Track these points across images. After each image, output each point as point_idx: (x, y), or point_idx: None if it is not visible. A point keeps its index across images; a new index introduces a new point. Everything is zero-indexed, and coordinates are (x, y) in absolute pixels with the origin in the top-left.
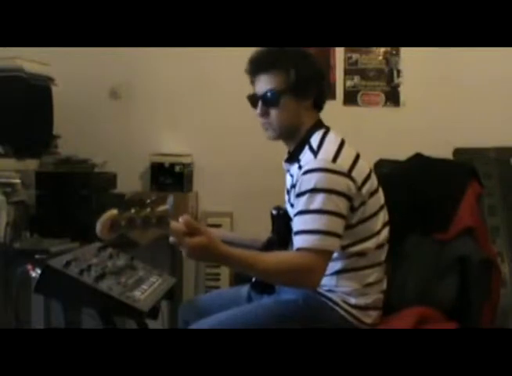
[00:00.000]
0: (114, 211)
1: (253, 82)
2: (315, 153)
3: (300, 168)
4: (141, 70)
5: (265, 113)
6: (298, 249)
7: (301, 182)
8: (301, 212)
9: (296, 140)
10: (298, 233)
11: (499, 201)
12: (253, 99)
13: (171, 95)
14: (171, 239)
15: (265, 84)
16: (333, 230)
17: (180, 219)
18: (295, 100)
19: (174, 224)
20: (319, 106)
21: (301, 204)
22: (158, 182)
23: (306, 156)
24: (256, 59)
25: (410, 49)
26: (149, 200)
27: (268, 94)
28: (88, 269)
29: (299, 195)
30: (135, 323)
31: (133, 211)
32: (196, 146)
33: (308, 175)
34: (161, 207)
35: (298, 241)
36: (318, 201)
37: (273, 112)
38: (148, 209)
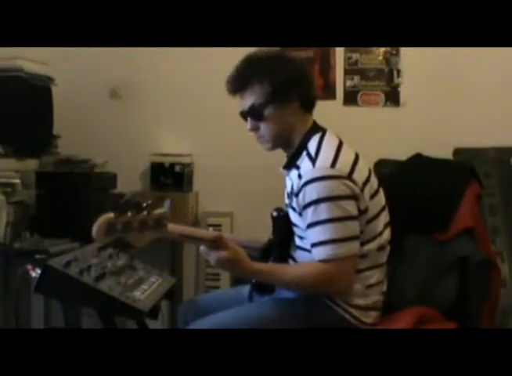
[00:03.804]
0: (111, 215)
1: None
2: (313, 160)
3: (300, 176)
4: (141, 70)
5: (255, 128)
6: (318, 261)
7: (304, 194)
8: (310, 225)
9: (293, 146)
10: (313, 245)
11: (499, 201)
12: (242, 116)
13: (171, 95)
14: (202, 248)
15: (246, 100)
16: (346, 236)
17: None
18: (279, 108)
19: (204, 232)
20: (308, 107)
21: (309, 216)
22: (158, 182)
23: (305, 163)
24: (230, 80)
25: (410, 49)
26: (145, 204)
27: (252, 109)
28: (88, 269)
29: (305, 207)
30: (135, 323)
31: (130, 214)
32: (196, 146)
33: (310, 186)
34: (158, 211)
35: (315, 254)
36: (324, 211)
37: (262, 125)
38: (145, 212)
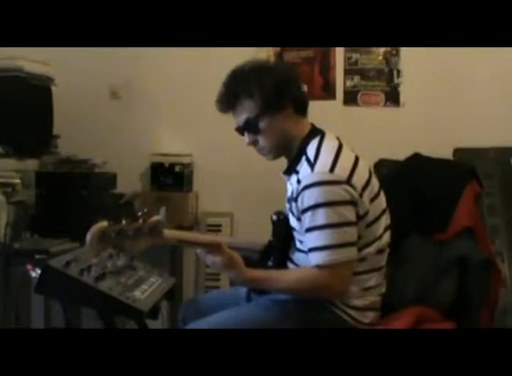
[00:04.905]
0: (104, 223)
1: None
2: (312, 165)
3: (299, 181)
4: (141, 70)
5: (253, 142)
6: (314, 266)
7: (303, 199)
8: (308, 229)
9: (293, 152)
10: (310, 250)
11: (498, 201)
12: (238, 132)
13: (171, 95)
14: (199, 250)
15: (240, 116)
16: (343, 241)
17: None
18: (274, 118)
19: (200, 237)
20: (301, 111)
21: (307, 221)
22: (158, 182)
23: (304, 168)
24: (220, 99)
25: (410, 49)
26: (140, 212)
27: (247, 124)
28: (88, 269)
29: (303, 212)
30: (135, 323)
31: (124, 222)
32: (196, 146)
33: (308, 191)
34: (154, 218)
35: (312, 259)
36: (322, 216)
37: (259, 138)
38: (140, 221)
